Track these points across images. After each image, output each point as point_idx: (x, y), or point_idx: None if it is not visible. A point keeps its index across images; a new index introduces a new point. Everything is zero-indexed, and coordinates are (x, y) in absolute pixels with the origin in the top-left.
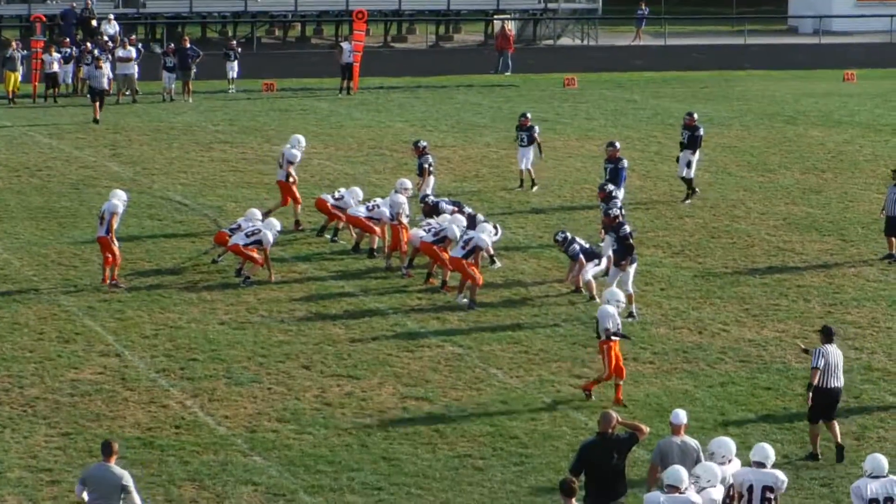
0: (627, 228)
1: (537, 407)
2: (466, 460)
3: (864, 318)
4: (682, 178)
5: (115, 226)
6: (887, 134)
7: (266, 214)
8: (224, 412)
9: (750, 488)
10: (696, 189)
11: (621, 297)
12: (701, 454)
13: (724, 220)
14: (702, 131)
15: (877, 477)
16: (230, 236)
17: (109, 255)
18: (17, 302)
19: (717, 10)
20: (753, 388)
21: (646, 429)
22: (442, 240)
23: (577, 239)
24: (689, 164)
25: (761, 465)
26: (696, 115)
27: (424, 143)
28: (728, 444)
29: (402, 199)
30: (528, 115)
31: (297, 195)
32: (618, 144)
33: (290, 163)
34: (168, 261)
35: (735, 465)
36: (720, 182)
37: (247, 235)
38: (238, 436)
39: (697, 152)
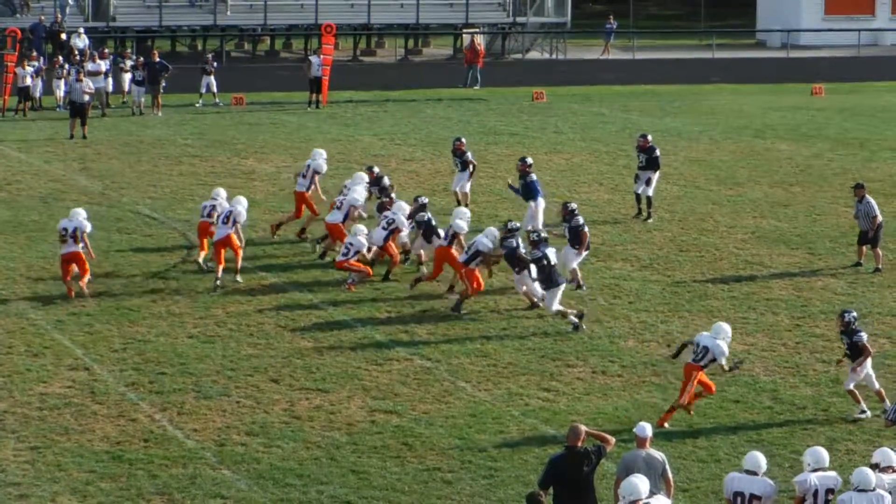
0: (581, 220)
1: (506, 420)
2: (435, 473)
3: (832, 330)
4: (637, 195)
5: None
6: (855, 148)
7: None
8: (193, 425)
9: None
10: (652, 212)
11: (729, 331)
12: (667, 466)
13: (692, 234)
14: (658, 152)
15: (863, 491)
16: (213, 225)
17: (78, 267)
18: None
19: (685, 24)
20: (722, 400)
21: (612, 440)
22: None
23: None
24: (647, 182)
25: (753, 473)
26: (649, 137)
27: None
28: (818, 452)
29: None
30: (463, 140)
31: (315, 208)
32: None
33: (317, 173)
34: (137, 274)
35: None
36: (689, 195)
37: (225, 222)
38: (207, 449)
39: (657, 173)
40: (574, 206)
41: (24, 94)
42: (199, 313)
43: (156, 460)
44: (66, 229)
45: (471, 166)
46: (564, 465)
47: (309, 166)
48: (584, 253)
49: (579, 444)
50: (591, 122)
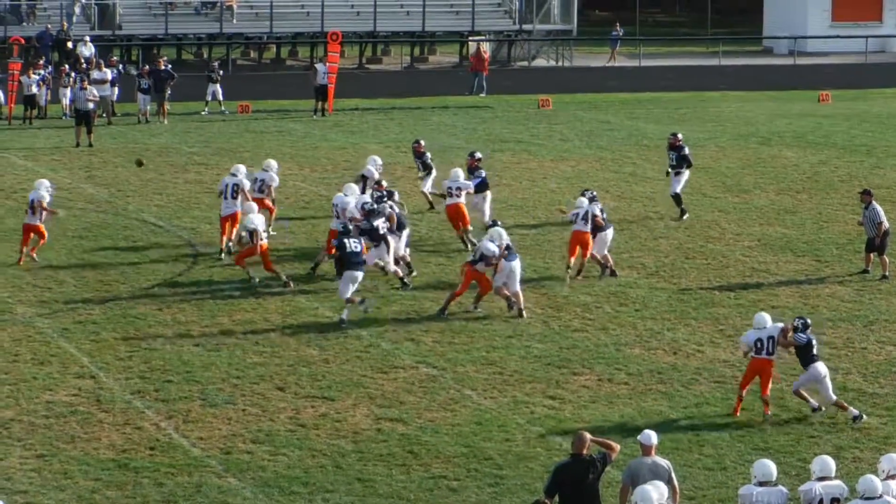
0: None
1: (511, 428)
2: (441, 481)
3: (840, 338)
4: (674, 196)
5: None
6: (862, 155)
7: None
8: (199, 434)
9: None
10: (684, 208)
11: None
12: (672, 474)
13: (698, 241)
14: (687, 150)
15: (870, 499)
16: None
17: (36, 236)
18: None
19: (691, 32)
20: (728, 408)
21: (617, 447)
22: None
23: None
24: (679, 182)
25: (767, 483)
26: (679, 135)
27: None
28: (824, 461)
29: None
30: (422, 142)
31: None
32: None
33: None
34: (143, 282)
35: None
36: (695, 203)
37: (234, 196)
38: (213, 457)
39: (688, 171)
40: (592, 193)
41: (29, 102)
42: (205, 321)
43: (162, 468)
44: (32, 200)
45: (431, 169)
46: (570, 473)
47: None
48: (607, 235)
49: (585, 451)
50: (597, 130)
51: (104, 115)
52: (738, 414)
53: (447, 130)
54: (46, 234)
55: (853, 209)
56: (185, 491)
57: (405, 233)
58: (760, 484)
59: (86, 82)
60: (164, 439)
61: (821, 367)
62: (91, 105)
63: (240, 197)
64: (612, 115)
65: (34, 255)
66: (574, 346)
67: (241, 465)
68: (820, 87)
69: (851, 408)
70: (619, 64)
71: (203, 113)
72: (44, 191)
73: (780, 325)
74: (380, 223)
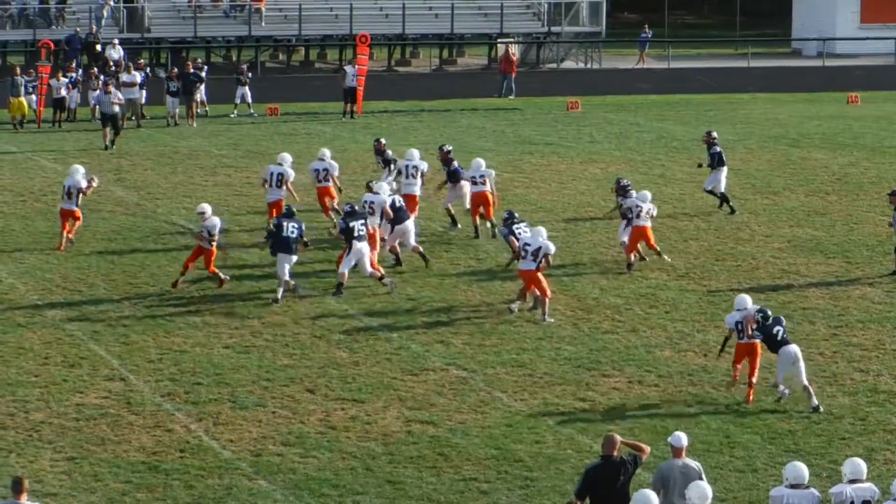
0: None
1: (542, 430)
2: (471, 484)
3: (870, 340)
4: (710, 192)
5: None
6: (891, 156)
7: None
8: (229, 436)
9: None
10: (732, 205)
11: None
12: (703, 476)
13: (728, 243)
14: (717, 148)
15: None
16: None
17: (74, 220)
18: (22, 327)
19: (720, 33)
20: (759, 410)
21: (647, 448)
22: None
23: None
24: (718, 180)
25: (799, 486)
26: (713, 133)
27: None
28: (856, 464)
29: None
30: (383, 140)
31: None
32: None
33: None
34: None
35: None
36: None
37: (279, 186)
38: (243, 459)
39: (720, 169)
40: (626, 182)
41: (59, 105)
42: (234, 324)
43: (192, 471)
44: (68, 187)
45: (391, 165)
46: (600, 475)
47: (416, 166)
48: (625, 227)
49: (615, 453)
50: (626, 132)
51: (133, 118)
52: (751, 401)
53: (476, 133)
54: (81, 217)
55: (883, 211)
56: (215, 493)
57: (409, 223)
58: (792, 486)
59: (109, 86)
60: (194, 442)
61: (791, 349)
62: (116, 108)
63: (283, 186)
64: (641, 116)
65: (71, 235)
66: (604, 348)
67: (272, 467)
68: (849, 89)
69: (814, 398)
70: (647, 66)
71: (232, 116)
72: (79, 176)
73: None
74: (357, 225)
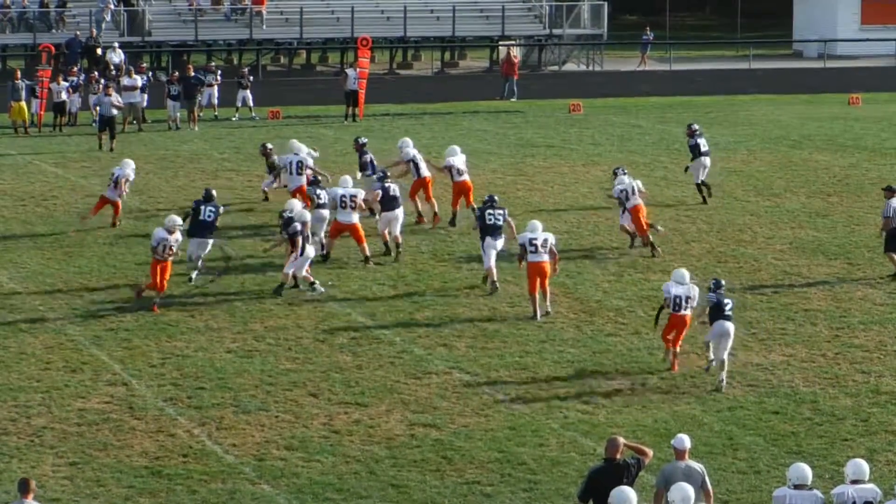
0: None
1: (545, 433)
2: (475, 487)
3: (872, 341)
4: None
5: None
6: (893, 157)
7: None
8: (232, 440)
9: None
10: (706, 196)
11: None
12: (706, 478)
13: (730, 245)
14: (694, 140)
15: None
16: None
17: (112, 208)
18: (24, 332)
19: (721, 35)
20: (761, 412)
21: (650, 452)
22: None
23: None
24: (700, 171)
25: (802, 486)
26: (693, 126)
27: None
28: (858, 465)
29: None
30: (269, 145)
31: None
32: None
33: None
34: (174, 289)
35: None
36: (726, 206)
37: (299, 173)
38: (246, 464)
39: (696, 159)
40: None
41: (59, 109)
42: (237, 328)
43: (195, 475)
44: (117, 176)
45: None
46: (604, 478)
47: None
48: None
49: (618, 456)
50: (628, 134)
51: (134, 121)
52: (676, 368)
53: (478, 135)
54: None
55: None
56: (218, 498)
57: (398, 211)
58: (796, 487)
59: (110, 88)
60: (197, 446)
61: (726, 325)
62: (115, 111)
63: (303, 173)
64: (642, 119)
65: (117, 221)
66: (607, 351)
67: (275, 471)
68: (850, 90)
69: (724, 374)
70: (649, 68)
71: (233, 119)
72: (129, 170)
73: (696, 287)
74: (297, 228)
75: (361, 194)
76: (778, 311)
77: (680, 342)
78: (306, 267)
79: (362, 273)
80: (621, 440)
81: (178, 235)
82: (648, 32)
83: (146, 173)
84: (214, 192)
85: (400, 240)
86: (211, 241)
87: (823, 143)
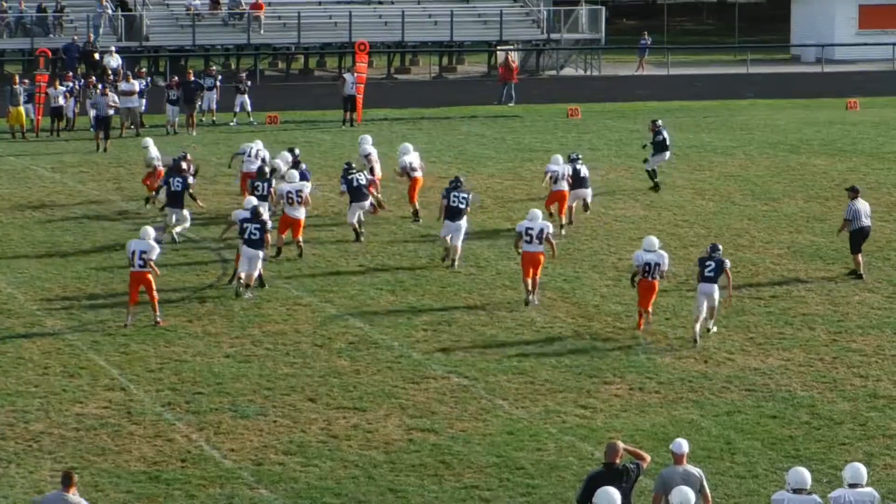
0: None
1: (543, 437)
2: (473, 491)
3: (869, 345)
4: (651, 172)
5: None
6: (890, 162)
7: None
8: (230, 445)
9: None
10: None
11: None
12: (704, 482)
13: (728, 249)
14: (661, 137)
15: None
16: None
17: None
18: (22, 337)
19: (719, 40)
20: (759, 416)
21: (647, 457)
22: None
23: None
24: (658, 162)
25: (801, 490)
26: (658, 122)
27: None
28: (856, 469)
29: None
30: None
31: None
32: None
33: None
34: (172, 294)
35: None
36: (724, 211)
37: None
38: (244, 469)
39: (665, 153)
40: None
41: (56, 114)
42: (235, 333)
43: (193, 480)
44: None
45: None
46: (602, 482)
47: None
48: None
49: (617, 460)
50: (625, 139)
51: (132, 126)
52: (641, 328)
53: (476, 140)
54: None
55: (881, 217)
56: (216, 503)
57: (366, 203)
58: (794, 491)
59: (107, 89)
60: (195, 451)
61: (707, 287)
62: (111, 112)
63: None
64: (640, 123)
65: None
66: (605, 356)
67: (273, 476)
68: (848, 95)
69: (712, 323)
70: (647, 73)
71: (231, 124)
72: (149, 240)
73: (666, 254)
74: (251, 228)
75: (307, 190)
76: (776, 315)
77: (651, 304)
78: (259, 266)
79: (360, 278)
80: (621, 445)
81: (152, 244)
82: (646, 37)
83: (143, 177)
84: (184, 164)
85: (361, 227)
86: (186, 212)
87: (821, 147)
